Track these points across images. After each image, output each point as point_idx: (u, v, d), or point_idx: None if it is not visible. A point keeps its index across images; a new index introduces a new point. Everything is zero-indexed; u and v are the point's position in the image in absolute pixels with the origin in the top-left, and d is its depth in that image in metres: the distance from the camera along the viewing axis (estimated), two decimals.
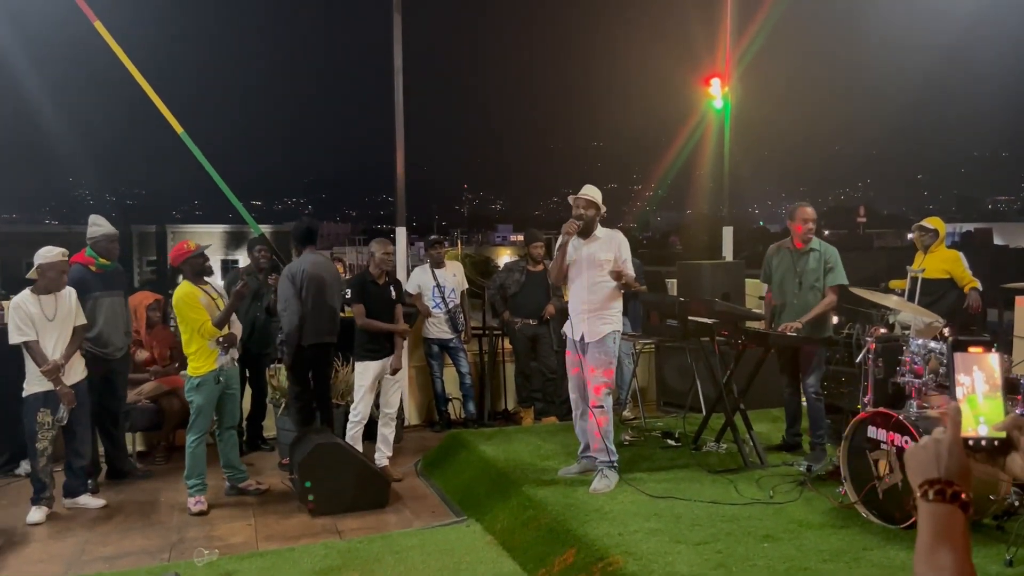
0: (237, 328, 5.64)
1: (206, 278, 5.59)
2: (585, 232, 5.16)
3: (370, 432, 6.08)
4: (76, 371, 5.39)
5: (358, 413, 5.87)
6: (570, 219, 5.14)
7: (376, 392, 5.99)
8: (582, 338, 5.14)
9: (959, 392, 1.17)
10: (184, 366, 5.76)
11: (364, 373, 5.85)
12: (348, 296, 5.92)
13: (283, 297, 6.15)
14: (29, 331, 5.15)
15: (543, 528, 4.45)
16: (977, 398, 1.16)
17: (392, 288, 5.99)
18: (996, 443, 1.14)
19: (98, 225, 5.92)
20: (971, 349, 1.19)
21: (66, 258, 5.32)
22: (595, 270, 5.13)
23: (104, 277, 5.89)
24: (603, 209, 5.25)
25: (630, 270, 5.23)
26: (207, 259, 5.66)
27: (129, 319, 6.18)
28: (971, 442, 1.14)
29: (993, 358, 1.18)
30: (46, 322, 5.21)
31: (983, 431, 1.14)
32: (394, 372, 5.91)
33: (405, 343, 6.44)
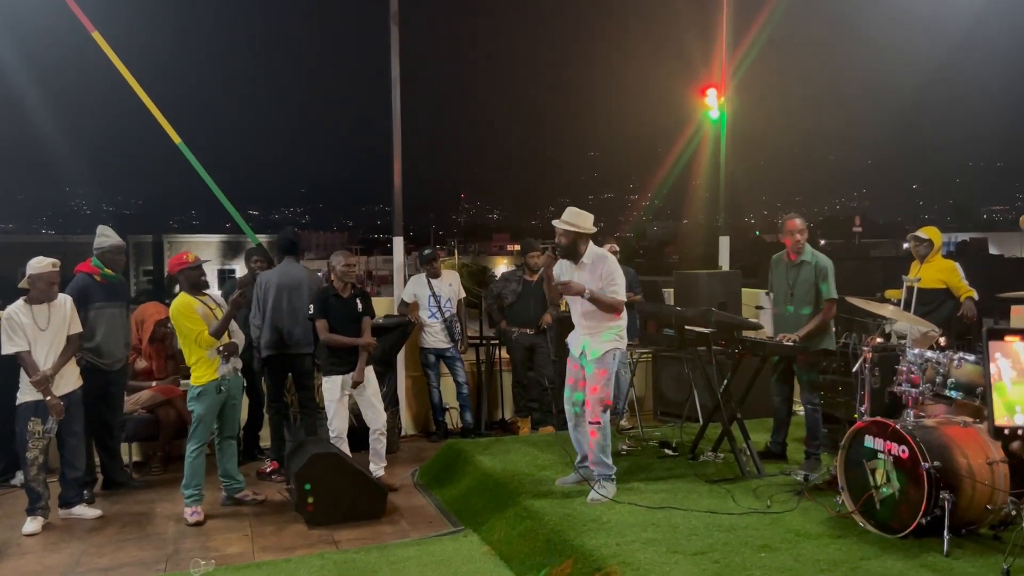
0: (240, 338, 5.62)
1: (203, 290, 5.59)
2: (572, 256, 5.14)
3: (362, 443, 6.09)
4: (69, 381, 5.37)
5: (334, 429, 5.85)
6: (547, 250, 5.17)
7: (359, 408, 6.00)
8: (582, 353, 5.16)
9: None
10: (183, 377, 5.75)
11: (331, 388, 5.83)
12: (311, 312, 5.87)
13: (252, 308, 6.22)
14: (21, 341, 5.14)
15: (540, 539, 4.44)
16: (1005, 386, 1.15)
17: (358, 300, 5.93)
18: None
19: (106, 236, 5.92)
20: (1008, 338, 1.17)
21: (56, 268, 5.31)
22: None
23: (108, 288, 5.89)
24: (584, 229, 5.08)
25: (615, 295, 5.05)
26: (203, 273, 5.64)
27: (130, 331, 6.16)
28: (1007, 431, 1.13)
29: (1019, 345, 1.16)
30: (39, 332, 5.21)
31: (1020, 420, 1.13)
32: (355, 385, 5.82)
33: (402, 357, 6.42)
